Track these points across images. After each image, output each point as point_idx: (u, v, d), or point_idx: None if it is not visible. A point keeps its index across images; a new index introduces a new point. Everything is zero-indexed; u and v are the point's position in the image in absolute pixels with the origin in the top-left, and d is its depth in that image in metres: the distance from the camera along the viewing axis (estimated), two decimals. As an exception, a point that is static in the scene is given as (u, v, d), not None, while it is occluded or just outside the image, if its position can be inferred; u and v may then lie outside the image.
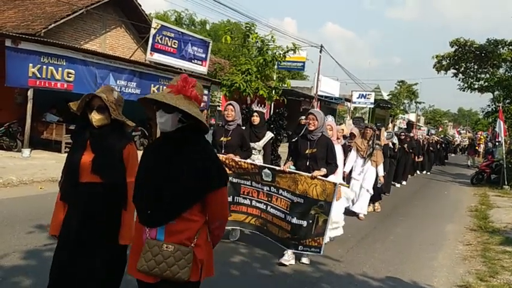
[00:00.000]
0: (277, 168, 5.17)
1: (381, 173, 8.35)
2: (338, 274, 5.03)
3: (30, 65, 10.82)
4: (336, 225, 5.99)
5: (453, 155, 35.80)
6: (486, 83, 23.89)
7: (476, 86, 24.76)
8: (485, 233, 7.78)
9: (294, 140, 6.31)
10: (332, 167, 5.12)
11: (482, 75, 24.20)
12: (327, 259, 5.44)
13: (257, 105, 6.49)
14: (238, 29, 21.29)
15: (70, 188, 2.86)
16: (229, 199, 5.12)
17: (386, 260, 5.71)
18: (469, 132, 57.32)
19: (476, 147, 29.69)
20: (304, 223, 4.78)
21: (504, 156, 15.69)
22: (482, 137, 33.46)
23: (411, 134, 16.75)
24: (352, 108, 32.76)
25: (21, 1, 16.62)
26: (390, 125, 35.52)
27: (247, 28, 16.40)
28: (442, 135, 38.70)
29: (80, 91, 11.60)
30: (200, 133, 2.39)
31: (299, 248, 4.89)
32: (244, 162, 5.24)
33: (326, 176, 4.94)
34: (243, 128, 6.09)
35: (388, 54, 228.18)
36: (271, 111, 19.84)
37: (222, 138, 5.56)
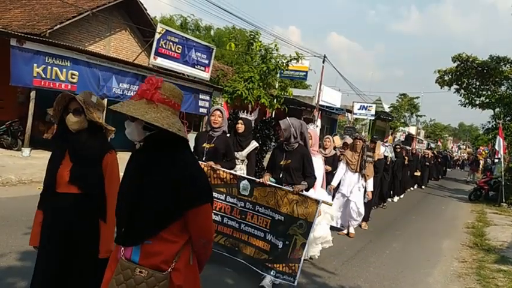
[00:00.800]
0: (257, 180, 4.67)
1: (370, 188, 7.80)
2: (332, 287, 5.03)
3: (35, 65, 10.87)
4: (322, 239, 5.76)
5: (449, 169, 35.75)
6: (487, 100, 23.96)
7: (477, 102, 24.83)
8: (481, 250, 7.78)
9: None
10: (311, 180, 4.71)
11: (484, 92, 24.27)
12: (322, 271, 5.45)
13: (243, 112, 6.15)
14: (243, 35, 21.40)
15: (48, 198, 2.76)
16: None
17: (381, 274, 5.72)
18: (468, 147, 57.38)
19: (480, 160, 29.62)
20: (280, 244, 4.29)
21: (503, 173, 15.71)
22: (484, 153, 33.46)
23: (408, 147, 16.32)
24: (352, 119, 32.79)
25: (27, 1, 16.72)
26: (390, 137, 35.58)
27: (252, 36, 16.50)
28: (441, 149, 38.72)
29: (83, 93, 11.67)
30: (178, 141, 2.10)
31: (271, 273, 4.38)
32: (223, 171, 4.85)
33: (306, 190, 4.59)
34: (228, 135, 5.75)
35: (391, 66, 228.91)
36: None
37: (204, 145, 5.19)
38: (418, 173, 16.41)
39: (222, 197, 4.82)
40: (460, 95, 25.01)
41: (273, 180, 4.64)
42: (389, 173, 11.47)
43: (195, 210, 2.07)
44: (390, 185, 12.19)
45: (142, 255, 2.04)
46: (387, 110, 41.53)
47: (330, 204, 4.48)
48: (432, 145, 47.82)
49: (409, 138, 44.04)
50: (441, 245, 8.09)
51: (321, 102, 25.38)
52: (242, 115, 5.89)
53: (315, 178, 4.79)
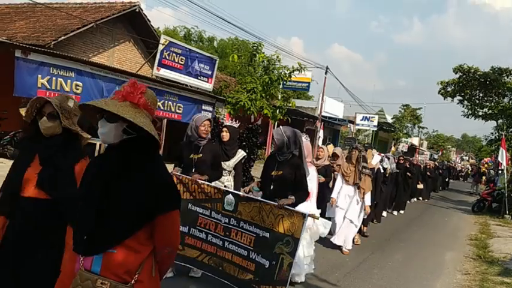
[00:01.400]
0: (242, 194, 4.41)
1: (368, 202, 7.23)
2: (334, 299, 5.02)
3: (39, 75, 10.95)
4: (311, 259, 5.26)
5: (452, 181, 35.64)
6: (490, 111, 23.97)
7: (480, 113, 24.85)
8: (484, 262, 7.74)
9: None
10: (301, 194, 4.34)
11: (487, 103, 24.30)
12: (324, 283, 5.43)
13: (229, 120, 5.89)
14: (246, 46, 21.52)
15: (9, 202, 2.59)
16: (185, 229, 4.56)
17: (383, 287, 5.69)
18: (472, 158, 57.21)
19: (484, 171, 29.40)
20: (267, 264, 3.98)
21: (506, 185, 15.65)
22: (488, 164, 33.35)
23: (411, 158, 15.60)
24: (355, 130, 32.80)
25: (32, 12, 16.92)
26: (393, 148, 35.53)
27: (254, 47, 16.60)
28: (443, 160, 38.59)
29: (87, 104, 11.75)
30: (150, 147, 2.05)
31: None
32: (208, 185, 4.57)
33: (295, 205, 4.18)
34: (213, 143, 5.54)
35: (393, 77, 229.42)
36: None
37: (192, 155, 4.92)
38: (420, 186, 15.89)
39: (207, 213, 4.54)
40: (463, 106, 25.05)
41: (257, 189, 4.39)
42: (390, 186, 11.08)
43: (163, 216, 2.01)
44: (391, 197, 11.85)
45: (104, 266, 1.93)
46: (390, 121, 41.54)
47: (317, 218, 4.11)
48: (435, 156, 47.68)
49: (412, 149, 44.02)
50: (444, 257, 8.05)
51: (323, 113, 25.42)
52: (226, 122, 5.64)
53: (307, 192, 4.46)
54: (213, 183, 4.80)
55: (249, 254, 4.14)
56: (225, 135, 5.37)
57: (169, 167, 4.84)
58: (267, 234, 4.03)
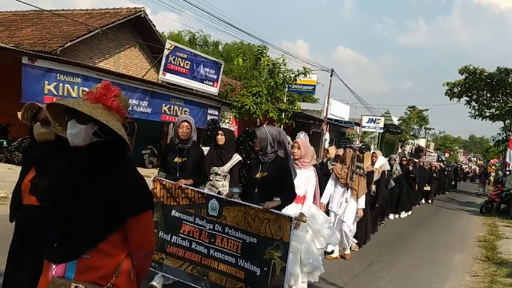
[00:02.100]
0: (226, 198, 4.16)
1: (361, 205, 6.78)
2: (342, 302, 5.00)
3: (46, 82, 11.04)
4: (311, 268, 4.78)
5: (459, 182, 35.42)
6: (497, 112, 23.87)
7: (487, 114, 24.77)
8: (493, 264, 7.68)
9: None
10: (288, 197, 4.08)
11: (494, 104, 24.21)
12: (332, 286, 5.42)
13: (224, 123, 5.74)
14: (251, 50, 21.59)
15: (13, 210, 2.69)
16: (167, 237, 4.37)
17: (391, 289, 5.67)
18: (479, 159, 56.88)
19: (491, 172, 29.15)
20: (258, 271, 3.79)
21: (514, 186, 15.54)
22: (495, 166, 33.15)
23: (416, 160, 15.05)
24: (361, 133, 32.71)
25: (39, 19, 17.07)
26: (400, 150, 35.41)
27: (259, 51, 16.66)
28: (451, 162, 38.39)
29: (93, 109, 11.82)
30: (122, 151, 2.00)
31: None
32: (192, 190, 4.35)
33: (281, 207, 3.95)
34: (206, 147, 5.33)
35: (399, 79, 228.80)
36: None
37: (176, 159, 4.73)
38: (427, 188, 15.62)
39: (191, 219, 4.30)
40: (470, 107, 24.97)
41: (236, 190, 4.09)
42: (395, 187, 10.94)
43: (135, 218, 1.95)
44: (396, 200, 11.64)
45: (78, 271, 1.87)
46: (396, 122, 41.39)
47: (304, 221, 3.92)
48: (443, 157, 47.46)
49: (419, 151, 43.83)
50: (452, 259, 8.00)
51: (329, 116, 25.39)
52: (222, 125, 5.36)
53: (294, 195, 4.17)
54: (206, 189, 4.70)
55: (237, 261, 3.93)
56: (220, 139, 5.17)
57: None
58: (255, 240, 3.85)
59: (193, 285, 4.20)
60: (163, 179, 4.54)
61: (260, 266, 3.77)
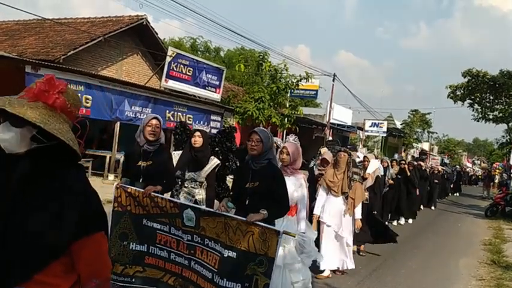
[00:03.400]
0: (203, 208, 3.81)
1: (358, 215, 6.04)
2: (348, 308, 4.98)
3: (49, 90, 11.07)
4: (301, 285, 4.36)
5: (466, 185, 35.26)
6: (501, 114, 23.83)
7: (491, 117, 24.73)
8: (499, 268, 7.64)
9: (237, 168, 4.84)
10: (279, 209, 3.68)
11: (498, 106, 24.18)
12: (337, 292, 5.39)
13: (198, 124, 5.20)
14: (252, 56, 21.67)
15: None
16: (144, 248, 3.99)
17: (397, 294, 5.64)
18: (483, 162, 56.69)
19: (495, 175, 28.98)
20: (239, 287, 3.40)
21: (519, 188, 15.47)
22: (499, 168, 33.05)
23: (415, 163, 14.03)
24: (364, 137, 32.70)
25: (41, 28, 17.17)
26: (403, 154, 35.34)
27: (261, 57, 16.72)
28: (455, 165, 38.26)
29: (97, 117, 11.86)
30: (66, 159, 1.66)
31: None
32: (162, 198, 3.90)
33: (268, 220, 3.51)
34: (175, 152, 4.92)
35: (401, 82, 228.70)
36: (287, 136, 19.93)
37: (140, 163, 4.23)
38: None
39: (166, 229, 3.90)
40: (474, 110, 24.95)
41: (231, 205, 3.67)
42: (391, 193, 10.29)
43: (84, 241, 1.60)
44: (394, 206, 10.97)
45: None
46: (399, 126, 41.37)
47: (294, 236, 3.52)
48: (446, 161, 47.30)
49: (422, 154, 43.72)
50: (458, 263, 7.95)
51: (331, 120, 25.41)
52: (196, 126, 4.90)
53: (287, 207, 3.78)
54: (181, 198, 4.35)
55: (213, 277, 3.55)
56: (198, 141, 4.65)
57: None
58: (233, 254, 3.45)
59: None
60: (127, 185, 4.07)
61: (241, 282, 3.38)
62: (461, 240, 10.79)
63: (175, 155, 4.88)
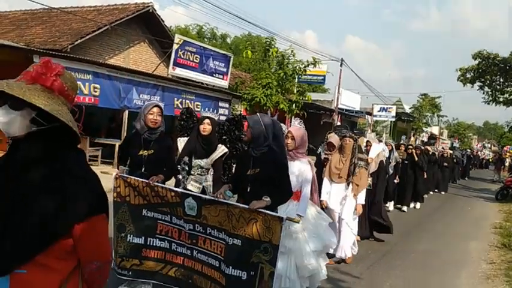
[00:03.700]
0: (205, 196, 3.74)
1: (360, 200, 5.94)
2: (358, 292, 5.00)
3: (58, 80, 11.11)
4: (307, 272, 4.28)
5: (475, 170, 34.98)
6: (511, 97, 23.57)
7: (501, 99, 24.46)
8: (510, 251, 7.61)
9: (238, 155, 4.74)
10: (282, 196, 3.63)
11: (508, 89, 23.91)
12: (347, 276, 5.42)
13: (206, 111, 4.96)
14: (260, 42, 21.56)
15: None
16: (140, 241, 3.93)
17: (407, 278, 5.65)
18: (494, 146, 56.23)
19: (506, 158, 28.75)
20: (244, 275, 3.36)
21: (530, 171, 15.34)
22: (510, 151, 32.77)
23: (422, 147, 13.22)
24: (372, 122, 32.53)
25: (48, 18, 17.18)
26: (412, 138, 35.13)
27: (267, 43, 16.62)
28: (465, 149, 37.98)
29: (105, 105, 11.90)
30: (66, 143, 1.68)
31: None
32: (162, 188, 3.84)
33: (271, 207, 3.46)
34: (182, 139, 4.82)
35: (410, 66, 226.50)
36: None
37: (141, 152, 4.17)
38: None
39: (167, 218, 3.85)
40: (484, 93, 24.69)
41: (230, 194, 3.62)
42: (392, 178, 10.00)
43: (85, 223, 1.58)
44: (399, 191, 10.93)
45: None
46: (408, 111, 41.08)
47: (297, 221, 3.52)
48: (456, 145, 47.00)
49: (432, 139, 43.46)
50: (468, 247, 7.95)
51: (340, 106, 25.29)
52: (205, 113, 4.78)
53: (289, 194, 3.70)
54: (188, 185, 4.31)
55: (220, 265, 3.53)
56: (207, 128, 4.55)
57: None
58: (239, 242, 3.41)
59: (176, 287, 3.86)
60: (126, 175, 4.02)
61: (246, 270, 3.35)
62: (471, 223, 10.76)
63: (181, 141, 4.79)
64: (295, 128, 4.62)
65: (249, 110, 16.03)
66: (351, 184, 5.82)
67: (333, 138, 6.64)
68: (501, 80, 23.87)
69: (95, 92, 11.84)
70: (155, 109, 4.21)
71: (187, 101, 14.81)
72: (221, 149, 4.67)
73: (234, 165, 4.14)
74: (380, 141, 8.67)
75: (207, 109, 15.11)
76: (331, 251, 5.36)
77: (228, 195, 3.57)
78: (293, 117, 18.11)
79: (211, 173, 4.63)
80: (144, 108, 4.25)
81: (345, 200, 5.82)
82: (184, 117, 5.54)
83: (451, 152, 19.96)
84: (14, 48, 11.27)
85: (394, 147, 10.08)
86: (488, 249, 7.79)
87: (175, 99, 14.45)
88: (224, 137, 5.27)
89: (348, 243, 5.93)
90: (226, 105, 16.70)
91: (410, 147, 11.53)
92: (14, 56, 11.30)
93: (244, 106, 16.26)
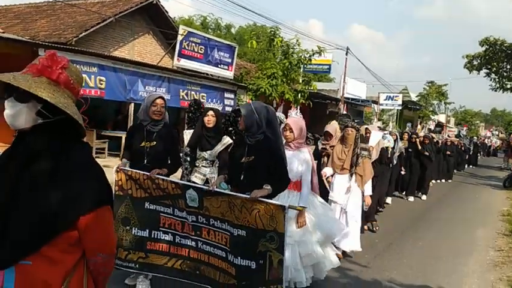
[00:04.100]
0: (206, 187, 3.61)
1: (368, 191, 5.84)
2: (366, 280, 5.02)
3: (64, 73, 11.14)
4: (311, 260, 4.25)
5: (485, 157, 34.75)
6: (519, 83, 23.38)
7: (508, 86, 24.25)
8: (518, 238, 7.61)
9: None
10: (280, 184, 3.55)
11: (515, 75, 23.70)
12: (355, 265, 5.44)
13: (211, 102, 4.94)
14: (264, 32, 21.48)
15: None
16: (145, 233, 3.90)
17: (414, 266, 5.66)
18: (501, 133, 55.87)
19: None
20: (253, 264, 3.34)
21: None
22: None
23: (431, 136, 12.87)
24: (379, 111, 32.40)
25: (52, 11, 17.18)
26: (419, 127, 34.96)
27: (272, 32, 16.54)
28: (472, 137, 37.76)
29: (111, 97, 11.94)
30: (75, 135, 1.71)
31: None
32: (163, 180, 3.78)
33: (272, 195, 3.43)
34: (188, 131, 4.72)
35: (417, 54, 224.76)
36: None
37: (143, 144, 4.09)
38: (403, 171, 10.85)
39: (169, 210, 3.80)
40: (491, 80, 24.49)
41: (224, 186, 3.57)
42: (397, 168, 9.76)
43: (89, 215, 1.59)
44: (402, 181, 10.67)
45: (18, 282, 1.54)
46: (414, 99, 40.86)
47: (300, 209, 3.54)
48: (464, 132, 46.76)
49: (438, 127, 43.25)
50: (476, 234, 7.94)
51: (346, 95, 25.17)
52: (209, 105, 4.84)
53: (287, 181, 3.63)
54: (192, 177, 4.21)
55: (227, 255, 3.50)
56: (211, 120, 4.50)
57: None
58: (243, 233, 3.37)
59: (185, 281, 3.83)
60: (127, 168, 3.98)
61: (255, 260, 3.33)
62: (479, 211, 10.74)
63: (187, 134, 4.75)
64: (293, 119, 4.55)
65: (255, 101, 16.01)
66: (354, 175, 5.66)
67: (330, 127, 6.45)
68: (508, 67, 23.64)
69: (101, 84, 11.86)
70: (158, 100, 4.14)
71: (192, 92, 14.80)
72: (226, 140, 4.59)
73: (229, 154, 4.05)
74: (380, 128, 8.36)
75: (214, 100, 15.12)
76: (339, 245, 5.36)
77: (222, 187, 3.51)
78: (299, 107, 18.08)
79: (216, 165, 4.57)
80: (147, 100, 4.18)
81: (349, 192, 5.62)
82: (193, 109, 5.49)
83: (457, 139, 19.64)
84: (19, 42, 11.29)
85: (398, 136, 9.68)
86: (496, 237, 7.78)
87: (181, 90, 14.45)
88: (230, 129, 5.23)
89: (354, 237, 5.68)
90: (232, 96, 16.68)
91: (414, 136, 11.16)
92: (19, 50, 11.33)
93: (250, 97, 16.22)
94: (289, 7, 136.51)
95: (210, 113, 4.52)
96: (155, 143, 4.09)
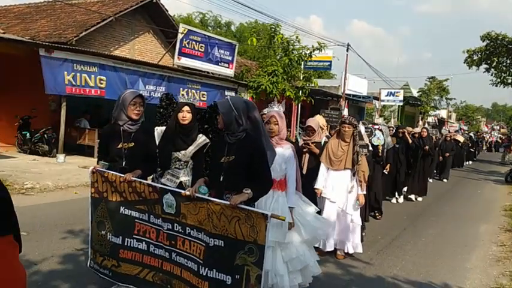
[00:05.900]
0: (183, 192, 3.29)
1: (361, 190, 5.52)
2: (368, 277, 5.01)
3: (65, 72, 11.16)
4: (296, 265, 3.99)
5: (486, 152, 34.69)
6: (519, 78, 23.35)
7: (509, 81, 24.23)
8: (521, 233, 7.60)
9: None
10: (263, 187, 3.28)
11: (516, 70, 23.67)
12: (357, 261, 5.44)
13: (187, 97, 4.42)
14: (265, 29, 21.43)
15: None
16: (118, 240, 3.65)
17: (417, 262, 5.66)
18: (502, 128, 55.79)
19: None
20: (229, 279, 3.03)
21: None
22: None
23: (418, 130, 11.33)
24: (380, 107, 32.33)
25: (52, 10, 17.18)
26: (420, 122, 34.89)
27: (272, 29, 16.52)
28: (472, 132, 37.68)
29: (112, 97, 11.92)
30: None
31: None
32: (140, 183, 3.53)
33: (253, 199, 3.22)
34: (159, 128, 4.28)
35: (418, 50, 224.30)
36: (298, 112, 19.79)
37: (120, 145, 3.86)
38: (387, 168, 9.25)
39: (145, 217, 3.53)
40: (491, 75, 24.46)
41: (204, 191, 3.21)
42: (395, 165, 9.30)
43: None
44: (393, 180, 9.75)
45: None
46: (416, 94, 40.74)
47: (283, 219, 3.08)
48: (465, 127, 46.62)
49: (440, 122, 43.17)
50: (478, 230, 7.93)
51: (347, 91, 25.13)
52: (183, 100, 4.13)
53: (269, 183, 3.36)
54: (164, 179, 3.92)
55: (198, 269, 3.19)
56: (187, 117, 3.99)
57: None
58: (221, 243, 3.08)
59: None
60: (104, 170, 3.76)
61: (231, 274, 3.03)
62: (481, 206, 10.73)
63: (158, 132, 4.24)
64: (278, 112, 4.16)
65: (256, 98, 15.99)
66: (356, 174, 5.43)
67: (312, 121, 5.88)
68: (508, 62, 23.60)
69: (101, 84, 11.88)
70: (138, 99, 3.90)
71: (193, 91, 14.81)
72: (201, 139, 4.10)
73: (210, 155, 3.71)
74: (363, 123, 7.78)
75: (212, 99, 15.11)
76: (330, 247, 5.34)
77: (201, 192, 3.19)
78: (300, 104, 18.01)
79: (191, 166, 4.10)
80: (124, 99, 3.90)
81: (350, 191, 5.42)
82: (164, 104, 5.14)
83: (464, 139, 18.74)
84: (20, 42, 11.30)
85: (384, 131, 8.67)
86: (499, 232, 7.77)
87: (181, 89, 14.45)
88: (206, 126, 4.80)
89: (355, 236, 5.55)
90: (233, 94, 16.67)
91: (401, 130, 10.13)
92: (20, 50, 11.36)
93: (251, 94, 16.22)
94: (290, 3, 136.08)
95: (186, 108, 4.00)
96: (133, 144, 3.89)
